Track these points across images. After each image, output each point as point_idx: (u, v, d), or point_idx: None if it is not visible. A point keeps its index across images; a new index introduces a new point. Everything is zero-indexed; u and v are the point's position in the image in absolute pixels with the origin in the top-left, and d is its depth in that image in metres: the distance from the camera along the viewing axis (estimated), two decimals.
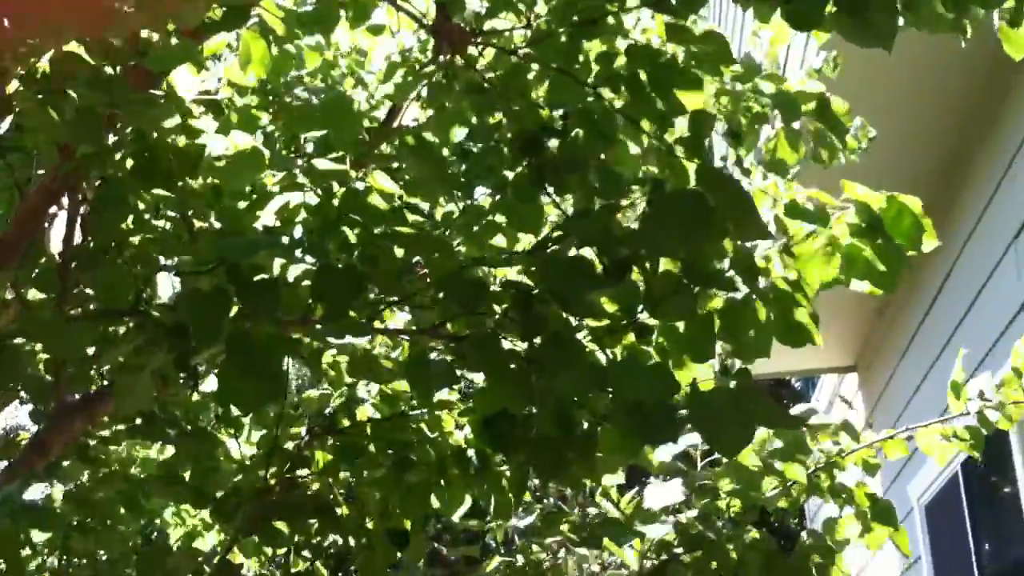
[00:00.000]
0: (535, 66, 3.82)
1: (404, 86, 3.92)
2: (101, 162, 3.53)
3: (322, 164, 3.29)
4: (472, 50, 3.85)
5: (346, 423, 4.06)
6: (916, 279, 8.30)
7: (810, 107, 4.73)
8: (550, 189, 3.55)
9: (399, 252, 3.16)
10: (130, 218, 3.66)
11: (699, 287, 3.31)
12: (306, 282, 3.08)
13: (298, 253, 3.08)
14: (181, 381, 3.68)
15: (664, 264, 3.29)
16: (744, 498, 4.67)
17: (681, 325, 3.34)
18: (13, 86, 2.39)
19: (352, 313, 3.00)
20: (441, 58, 3.81)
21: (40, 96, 2.41)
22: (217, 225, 3.42)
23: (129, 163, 3.46)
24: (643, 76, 3.58)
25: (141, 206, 3.65)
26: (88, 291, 3.79)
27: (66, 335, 3.49)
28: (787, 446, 4.65)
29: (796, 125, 4.80)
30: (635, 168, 3.79)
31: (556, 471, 3.38)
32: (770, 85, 4.80)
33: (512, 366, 3.13)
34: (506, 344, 3.23)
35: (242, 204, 3.51)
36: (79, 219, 3.95)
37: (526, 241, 3.80)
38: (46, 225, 4.10)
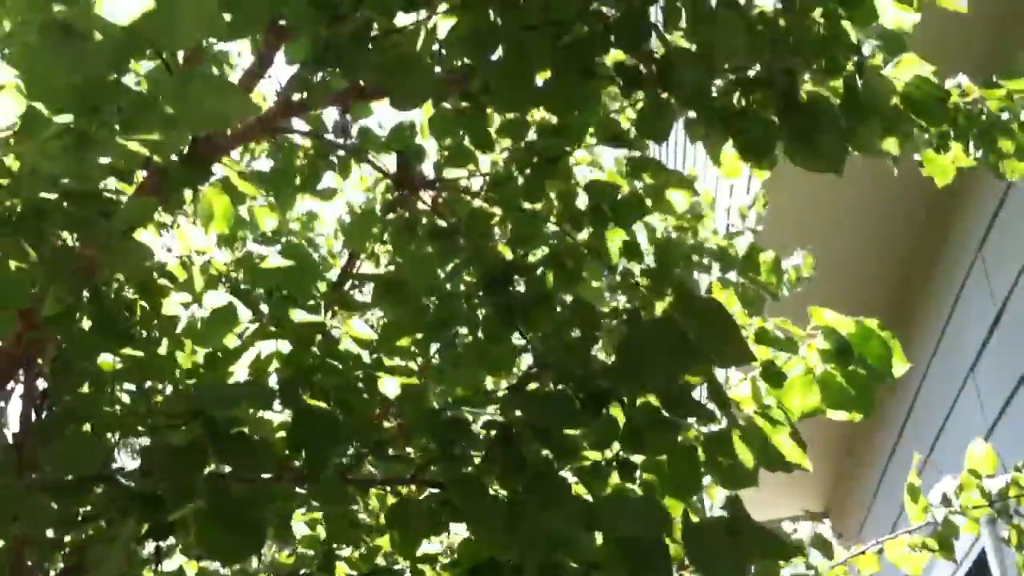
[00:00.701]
0: (495, 208, 3.85)
1: (362, 235, 3.92)
2: (68, 321, 3.47)
3: (298, 315, 3.25)
4: (428, 196, 3.88)
5: None
6: (881, 414, 8.31)
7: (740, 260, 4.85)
8: (519, 328, 3.54)
9: (377, 397, 3.10)
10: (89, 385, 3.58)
11: (680, 419, 3.28)
12: (281, 433, 3.00)
13: (275, 404, 3.01)
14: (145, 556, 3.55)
15: (642, 396, 3.27)
16: None
17: (664, 458, 3.30)
18: None
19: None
20: (400, 206, 3.82)
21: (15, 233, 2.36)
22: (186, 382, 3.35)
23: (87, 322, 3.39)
24: (606, 210, 3.62)
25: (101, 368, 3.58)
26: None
27: (29, 511, 3.37)
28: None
29: (731, 275, 4.89)
30: (599, 300, 3.79)
31: None
32: (712, 240, 4.91)
33: (497, 511, 3.06)
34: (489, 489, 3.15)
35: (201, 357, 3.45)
36: (37, 392, 3.86)
37: (500, 381, 3.75)
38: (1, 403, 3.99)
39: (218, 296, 3.57)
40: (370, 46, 2.92)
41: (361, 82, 3.52)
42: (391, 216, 3.86)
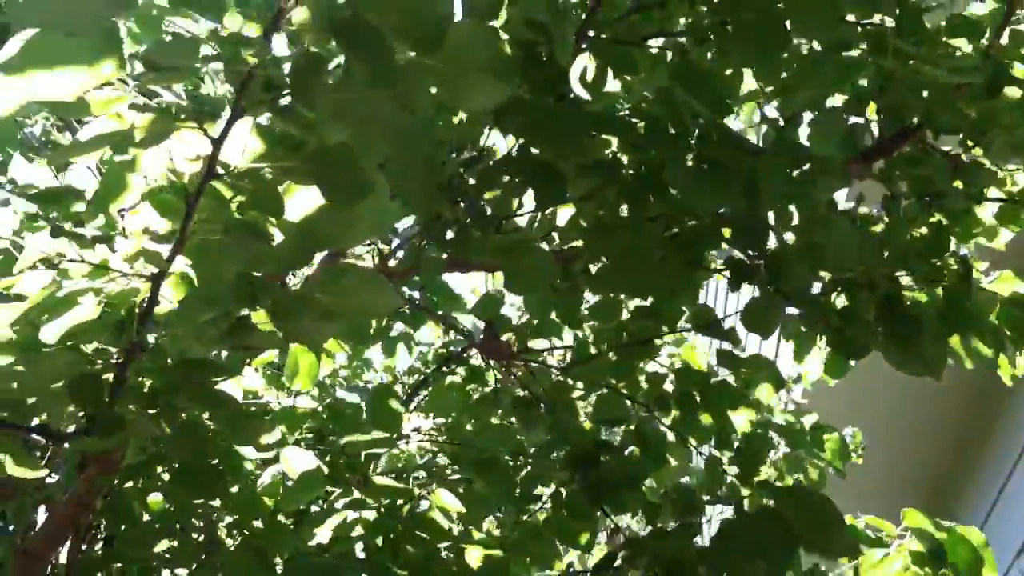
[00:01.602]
0: (578, 384, 3.86)
1: (446, 403, 3.92)
2: (145, 471, 3.45)
3: (381, 480, 3.23)
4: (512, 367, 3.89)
5: None
6: None
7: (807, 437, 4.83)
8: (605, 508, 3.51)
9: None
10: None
11: None
12: None
13: None
14: None
15: None
16: None
17: None
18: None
19: None
20: (489, 373, 3.83)
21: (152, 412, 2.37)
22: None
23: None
24: (696, 396, 3.62)
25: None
26: None
27: None
28: None
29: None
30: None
31: None
32: (778, 415, 4.91)
33: None
34: None
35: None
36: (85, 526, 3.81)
37: (575, 555, 3.70)
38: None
39: (299, 453, 3.56)
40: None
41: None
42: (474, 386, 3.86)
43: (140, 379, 2.31)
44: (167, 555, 3.64)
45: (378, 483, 3.21)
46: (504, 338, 3.86)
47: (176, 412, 2.38)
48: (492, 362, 3.83)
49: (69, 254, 2.50)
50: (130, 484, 3.63)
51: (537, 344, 4.00)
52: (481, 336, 3.86)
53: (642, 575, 3.23)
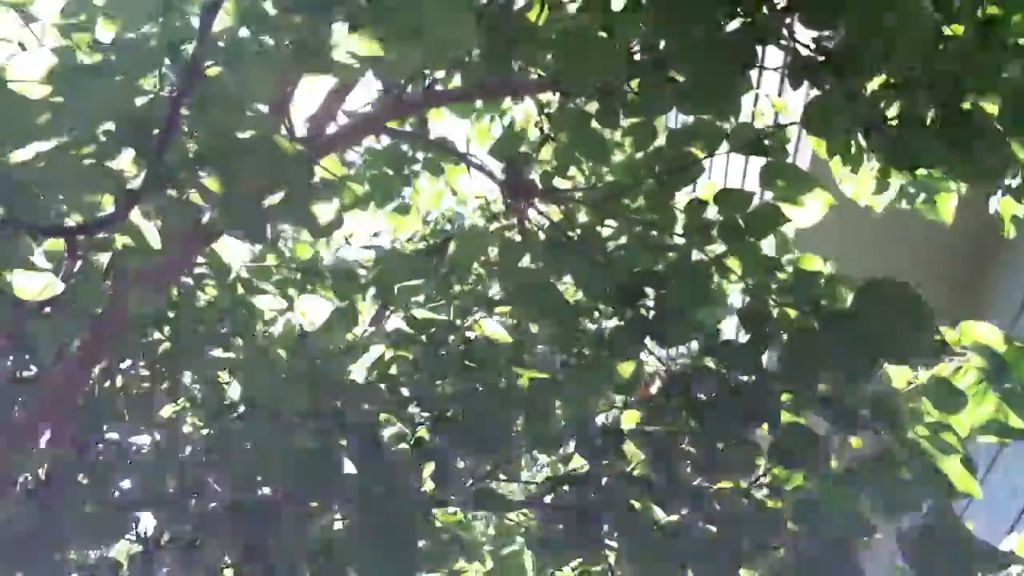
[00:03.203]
0: (611, 220, 3.62)
1: (473, 249, 3.65)
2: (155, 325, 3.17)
3: (421, 313, 2.98)
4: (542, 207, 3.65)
5: None
6: None
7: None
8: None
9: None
10: None
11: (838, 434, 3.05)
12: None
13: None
14: None
15: (787, 416, 3.03)
16: None
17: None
18: None
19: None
20: (513, 215, 3.58)
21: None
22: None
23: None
24: (740, 222, 3.38)
25: None
26: None
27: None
28: None
29: None
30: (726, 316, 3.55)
31: None
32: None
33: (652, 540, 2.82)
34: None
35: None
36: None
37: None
38: None
39: (315, 300, 3.32)
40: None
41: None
42: (500, 227, 3.61)
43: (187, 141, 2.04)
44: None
45: (420, 316, 2.96)
46: (530, 177, 3.61)
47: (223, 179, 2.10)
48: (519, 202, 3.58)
49: None
50: None
51: (562, 185, 3.76)
52: (503, 177, 3.60)
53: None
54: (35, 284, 2.45)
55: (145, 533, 3.29)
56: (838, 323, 2.81)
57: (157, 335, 3.23)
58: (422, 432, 2.79)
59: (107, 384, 3.45)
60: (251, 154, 2.24)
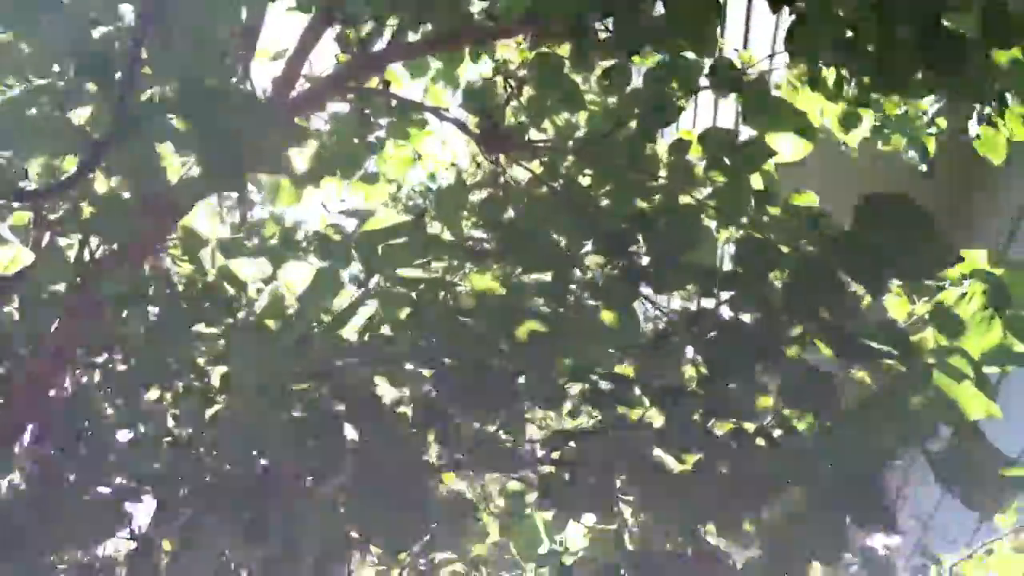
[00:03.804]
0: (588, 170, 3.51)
1: (454, 206, 3.52)
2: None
3: (410, 272, 2.86)
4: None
5: None
6: None
7: None
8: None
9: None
10: None
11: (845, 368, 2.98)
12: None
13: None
14: None
15: (793, 351, 2.95)
16: None
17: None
18: None
19: None
20: (492, 170, 3.46)
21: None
22: None
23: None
24: (725, 160, 3.29)
25: None
26: None
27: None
28: None
29: None
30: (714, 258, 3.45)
31: None
32: None
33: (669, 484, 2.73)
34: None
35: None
36: None
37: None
38: None
39: (298, 266, 3.19)
40: None
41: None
42: (478, 182, 3.49)
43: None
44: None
45: (408, 274, 2.83)
46: (503, 129, 3.49)
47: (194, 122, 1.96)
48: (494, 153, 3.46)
49: None
50: None
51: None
52: (477, 130, 3.48)
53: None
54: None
55: (140, 529, 3.15)
56: (839, 246, 2.72)
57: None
58: (421, 392, 2.67)
59: (86, 376, 3.31)
60: (223, 99, 2.10)
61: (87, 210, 2.55)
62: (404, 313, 2.81)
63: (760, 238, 3.17)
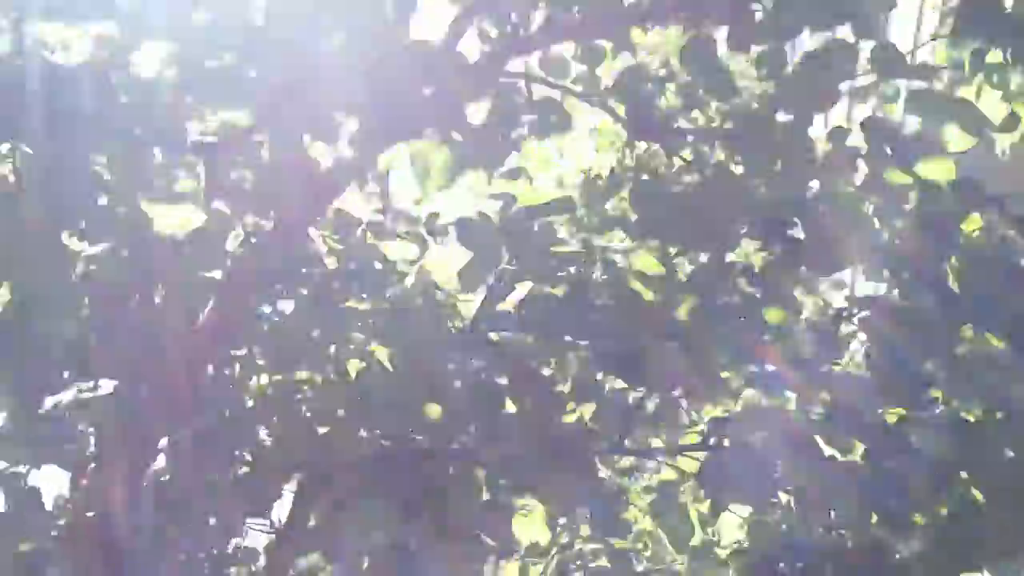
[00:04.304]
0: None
1: (601, 198, 3.47)
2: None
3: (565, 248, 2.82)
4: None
5: None
6: None
7: None
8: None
9: None
10: None
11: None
12: None
13: None
14: None
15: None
16: None
17: None
18: None
19: None
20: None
21: None
22: None
23: None
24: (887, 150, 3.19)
25: None
26: None
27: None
28: None
29: None
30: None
31: None
32: None
33: None
34: None
35: None
36: None
37: None
38: None
39: (445, 250, 3.19)
40: None
41: None
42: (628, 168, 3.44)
43: None
44: None
45: (564, 250, 2.79)
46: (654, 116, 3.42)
47: None
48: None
49: None
50: None
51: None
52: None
53: None
54: (173, 218, 2.31)
55: (279, 520, 3.15)
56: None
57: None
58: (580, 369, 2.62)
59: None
60: None
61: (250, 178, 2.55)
62: (561, 290, 2.76)
63: (937, 216, 3.06)
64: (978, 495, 2.59)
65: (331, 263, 3.11)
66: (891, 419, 2.72)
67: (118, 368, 2.62)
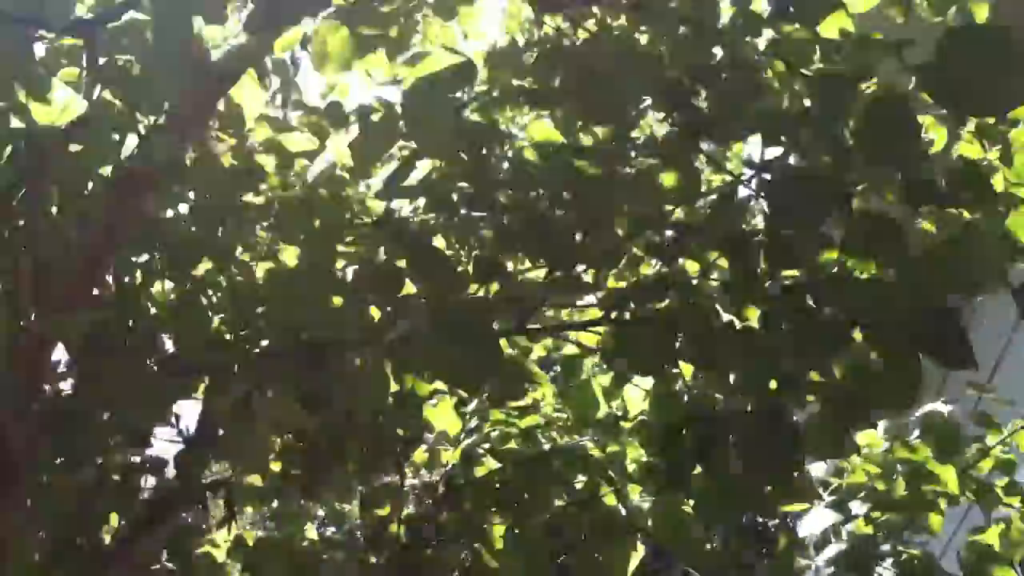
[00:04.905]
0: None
1: (508, 66, 3.40)
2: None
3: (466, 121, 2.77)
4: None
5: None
6: None
7: None
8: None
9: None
10: None
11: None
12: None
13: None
14: None
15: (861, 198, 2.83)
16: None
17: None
18: None
19: None
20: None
21: None
22: None
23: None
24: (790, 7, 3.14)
25: None
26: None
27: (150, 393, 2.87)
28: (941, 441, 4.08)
29: None
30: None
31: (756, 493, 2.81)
32: None
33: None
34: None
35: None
36: None
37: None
38: None
39: (345, 139, 3.12)
40: None
41: None
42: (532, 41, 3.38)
43: None
44: None
45: (467, 123, 2.75)
46: None
47: None
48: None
49: None
50: None
51: None
52: None
53: None
54: (53, 107, 2.23)
55: (187, 429, 3.13)
56: (922, 79, 2.57)
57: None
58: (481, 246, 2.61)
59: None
60: None
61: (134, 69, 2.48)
62: (462, 166, 2.73)
63: (835, 74, 3.03)
64: (872, 353, 2.62)
65: (227, 161, 3.06)
66: (787, 282, 2.74)
67: (5, 272, 2.57)
